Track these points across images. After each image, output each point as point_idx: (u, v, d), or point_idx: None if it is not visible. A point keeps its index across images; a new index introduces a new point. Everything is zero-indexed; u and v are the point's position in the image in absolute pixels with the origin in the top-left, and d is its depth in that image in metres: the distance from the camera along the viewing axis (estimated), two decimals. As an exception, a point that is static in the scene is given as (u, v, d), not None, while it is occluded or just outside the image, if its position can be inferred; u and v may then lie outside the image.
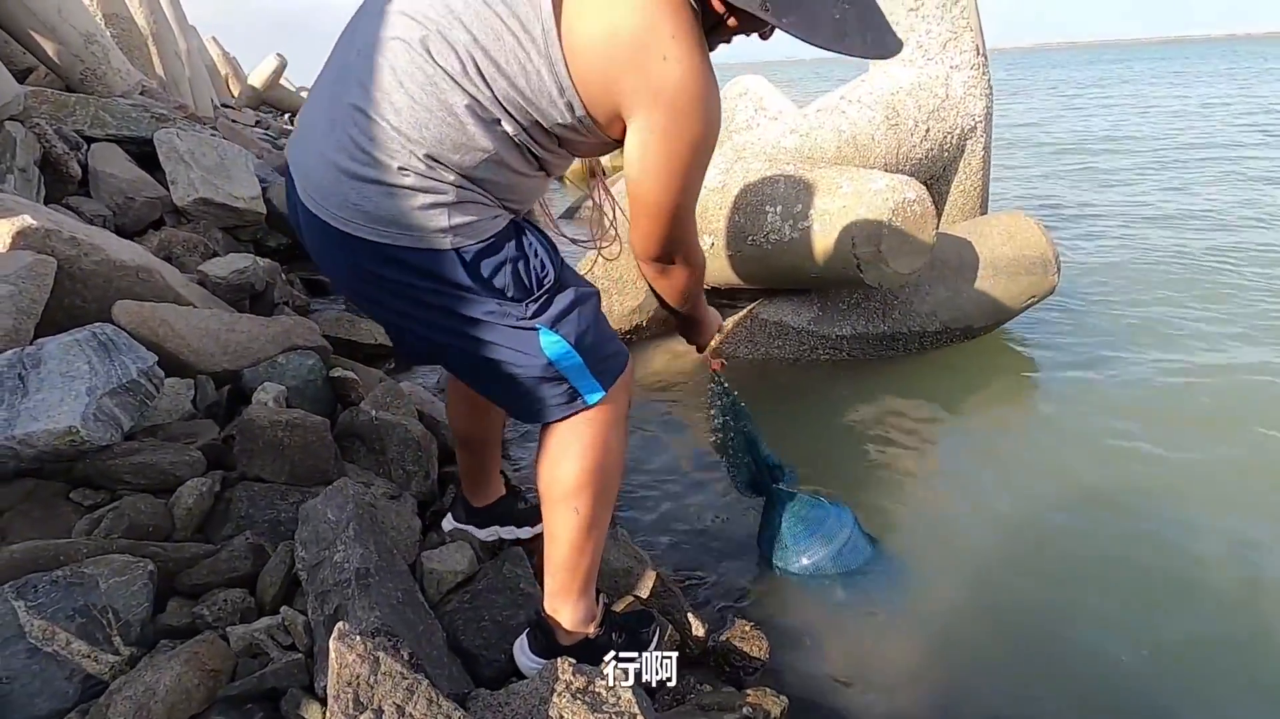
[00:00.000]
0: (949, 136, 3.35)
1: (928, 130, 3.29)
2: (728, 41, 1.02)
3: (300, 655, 1.13)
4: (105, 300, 2.12)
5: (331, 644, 0.97)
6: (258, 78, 14.02)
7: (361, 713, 0.93)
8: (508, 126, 1.00)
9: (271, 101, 14.21)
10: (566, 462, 1.17)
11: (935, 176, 3.46)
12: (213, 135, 4.77)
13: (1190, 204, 5.87)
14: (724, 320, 3.28)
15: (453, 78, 0.96)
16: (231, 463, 1.75)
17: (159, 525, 1.45)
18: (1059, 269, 3.10)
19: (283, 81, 14.81)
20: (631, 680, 1.35)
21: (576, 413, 1.15)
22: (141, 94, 5.26)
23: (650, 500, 2.13)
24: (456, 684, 1.23)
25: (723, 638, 1.52)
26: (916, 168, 3.29)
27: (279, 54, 14.19)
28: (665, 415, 2.71)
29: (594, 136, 1.03)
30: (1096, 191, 6.59)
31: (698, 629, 1.51)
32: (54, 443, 1.48)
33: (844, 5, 0.91)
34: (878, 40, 0.94)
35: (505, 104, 0.98)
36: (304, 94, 16.24)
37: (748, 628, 1.54)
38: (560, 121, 1.00)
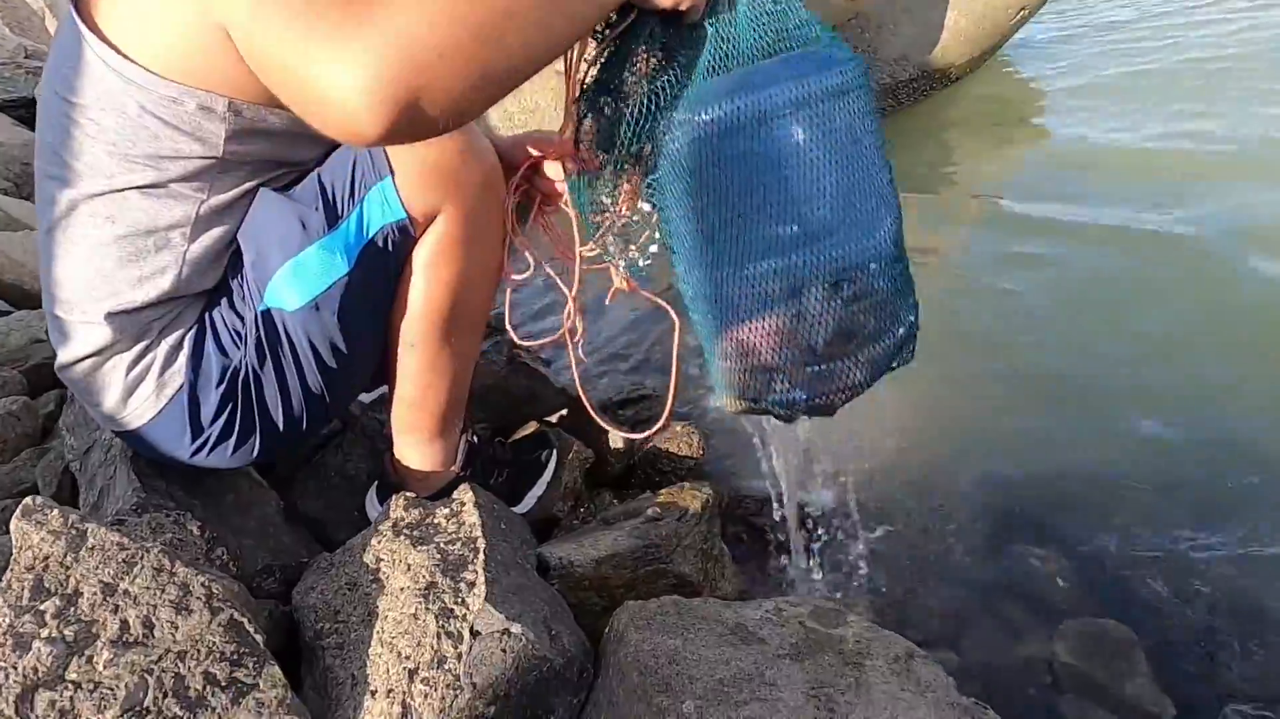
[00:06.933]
0: None
1: None
2: None
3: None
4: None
5: (13, 525, 0.71)
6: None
7: (44, 600, 0.67)
8: None
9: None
10: (415, 286, 0.89)
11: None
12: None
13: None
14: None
15: None
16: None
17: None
18: (1051, -32, 2.55)
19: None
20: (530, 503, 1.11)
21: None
22: (26, 58, 4.85)
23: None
24: (290, 554, 0.98)
25: (650, 445, 1.24)
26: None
27: None
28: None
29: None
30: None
31: (616, 441, 1.23)
32: None
33: None
34: None
35: None
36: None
37: (680, 428, 1.25)
38: None
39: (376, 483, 1.07)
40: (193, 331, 0.81)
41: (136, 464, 0.91)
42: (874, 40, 2.51)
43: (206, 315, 0.82)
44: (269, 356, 0.82)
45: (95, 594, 0.69)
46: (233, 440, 0.87)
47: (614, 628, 0.71)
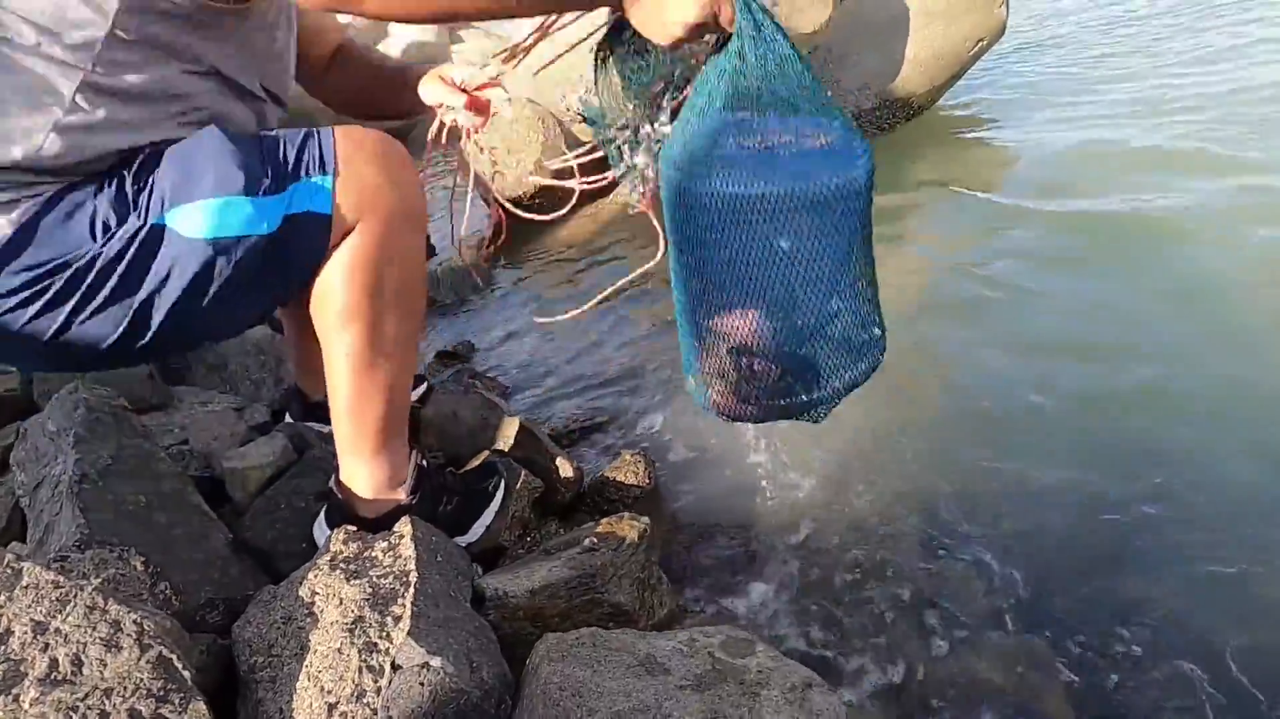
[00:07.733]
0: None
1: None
2: None
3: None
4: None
5: (-52, 565, 0.73)
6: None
7: (-26, 640, 0.69)
8: None
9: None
10: (333, 290, 0.93)
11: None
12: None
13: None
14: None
15: None
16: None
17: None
18: (1007, 1, 2.62)
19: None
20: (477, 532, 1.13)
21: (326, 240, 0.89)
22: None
23: (548, 351, 1.86)
24: (237, 587, 1.00)
25: (599, 474, 1.27)
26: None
27: None
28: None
29: None
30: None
31: (566, 470, 1.26)
32: None
33: None
34: None
35: None
36: None
37: (629, 456, 1.28)
38: None
39: (325, 508, 1.08)
40: (38, 201, 0.82)
41: (82, 500, 0.94)
42: (837, 71, 2.58)
43: (66, 194, 0.83)
44: (130, 265, 0.83)
45: (26, 633, 0.71)
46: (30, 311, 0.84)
47: (532, 660, 0.73)
